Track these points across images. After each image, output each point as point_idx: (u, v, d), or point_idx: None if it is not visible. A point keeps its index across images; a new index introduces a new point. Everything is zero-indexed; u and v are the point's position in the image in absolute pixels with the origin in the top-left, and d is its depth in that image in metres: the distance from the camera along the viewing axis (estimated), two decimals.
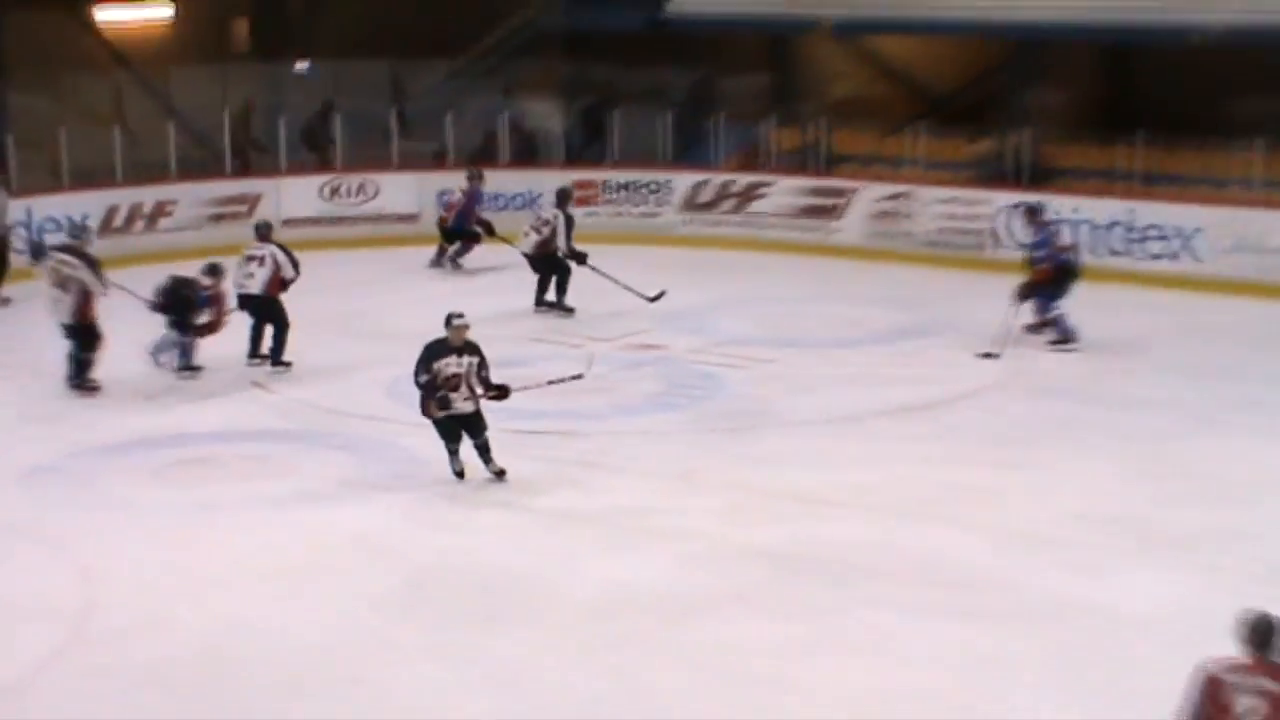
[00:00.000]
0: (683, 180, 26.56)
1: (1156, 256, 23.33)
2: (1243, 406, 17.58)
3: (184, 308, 18.37)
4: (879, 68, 30.30)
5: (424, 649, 11.94)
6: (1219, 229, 22.96)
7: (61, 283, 17.81)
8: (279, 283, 18.95)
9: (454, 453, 15.08)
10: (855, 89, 30.11)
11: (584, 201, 26.28)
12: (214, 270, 18.73)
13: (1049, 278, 19.58)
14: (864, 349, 19.79)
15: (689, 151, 27.40)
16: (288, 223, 25.55)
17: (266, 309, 18.97)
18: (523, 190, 26.31)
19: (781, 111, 27.97)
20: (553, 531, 14.25)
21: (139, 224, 24.96)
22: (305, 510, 14.72)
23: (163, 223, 25.24)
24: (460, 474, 15.05)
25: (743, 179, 26.38)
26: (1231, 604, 12.16)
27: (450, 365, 14.69)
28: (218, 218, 25.48)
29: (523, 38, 30.11)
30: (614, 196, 26.58)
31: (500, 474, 15.07)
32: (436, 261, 24.23)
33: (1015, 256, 22.14)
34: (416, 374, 14.83)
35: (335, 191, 26.31)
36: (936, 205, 24.66)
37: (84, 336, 17.87)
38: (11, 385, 18.64)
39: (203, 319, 18.48)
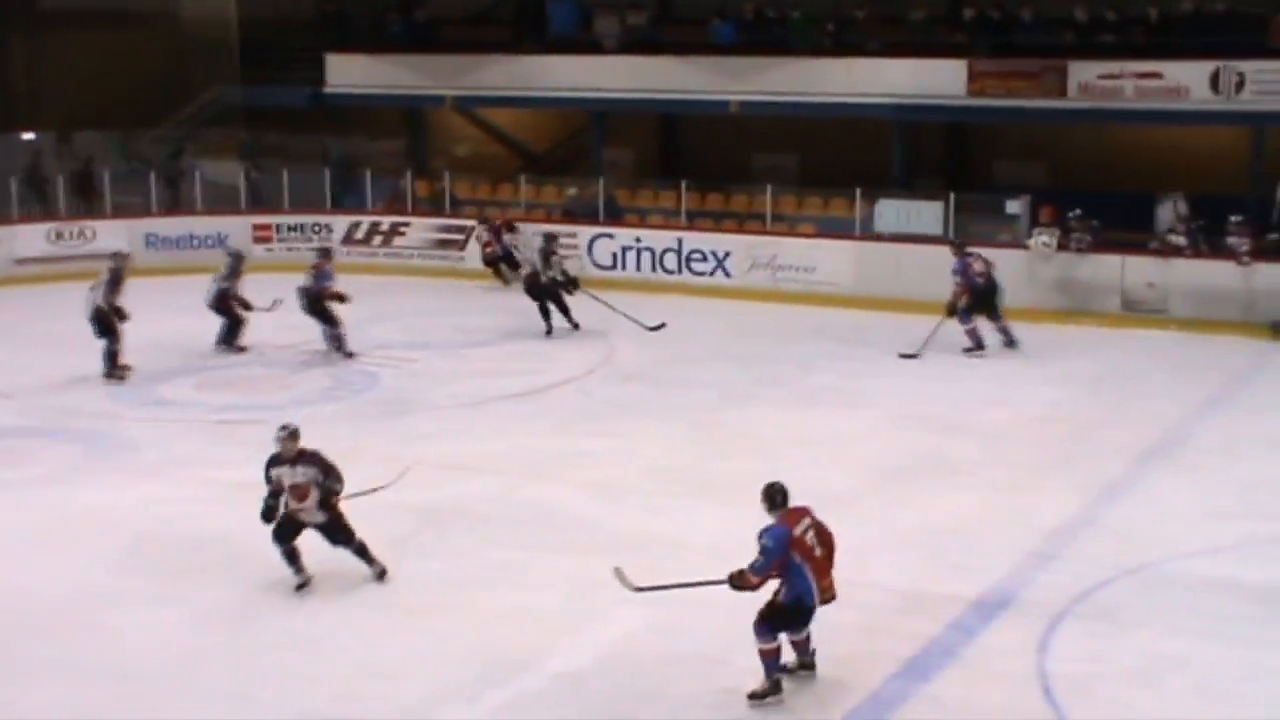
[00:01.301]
0: (341, 221, 26.24)
1: (700, 274, 23.84)
2: (767, 383, 18.10)
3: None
4: (490, 132, 30.39)
5: (146, 597, 11.64)
6: (743, 252, 23.58)
7: None
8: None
9: (290, 555, 11.81)
10: (473, 148, 30.16)
11: (262, 240, 25.80)
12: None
13: (965, 296, 19.23)
14: (486, 349, 19.87)
15: (346, 199, 27.05)
16: (19, 261, 24.59)
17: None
18: (212, 232, 25.65)
19: (416, 167, 27.84)
20: (246, 500, 13.91)
21: None
22: (41, 491, 14.17)
23: None
24: (303, 585, 11.75)
25: (388, 219, 26.16)
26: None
27: (285, 475, 11.75)
28: None
29: (210, 112, 29.37)
30: (286, 236, 26.09)
31: (382, 574, 11.89)
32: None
33: (603, 275, 22.48)
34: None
35: (60, 235, 25.27)
36: (536, 238, 24.77)
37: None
38: None
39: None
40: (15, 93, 29.68)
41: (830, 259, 23.11)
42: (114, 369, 18.14)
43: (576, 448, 15.49)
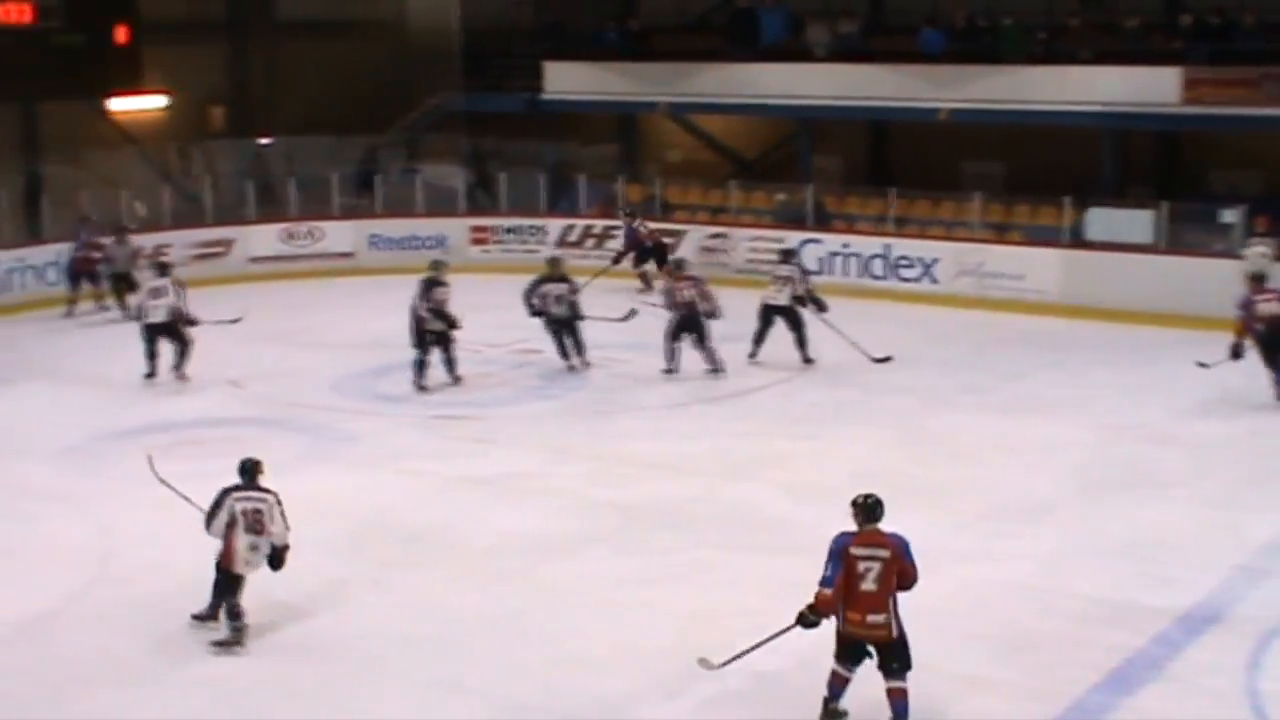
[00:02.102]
0: (555, 225, 26.49)
1: (907, 280, 23.53)
2: (971, 390, 17.78)
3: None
4: (702, 138, 30.43)
5: (362, 582, 11.89)
6: (951, 259, 23.21)
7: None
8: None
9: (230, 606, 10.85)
10: (685, 155, 30.23)
11: (480, 242, 26.17)
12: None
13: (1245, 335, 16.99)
14: (690, 351, 19.81)
15: (560, 203, 27.32)
16: (254, 260, 25.31)
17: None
18: (433, 233, 26.11)
19: (629, 172, 27.99)
20: (458, 492, 14.20)
21: (142, 262, 24.42)
22: (271, 479, 14.50)
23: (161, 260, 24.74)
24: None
25: (601, 223, 26.33)
26: (966, 534, 12.43)
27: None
28: (201, 257, 25.08)
29: (432, 118, 29.92)
30: (504, 238, 26.44)
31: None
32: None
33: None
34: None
35: (291, 235, 25.98)
36: (747, 241, 24.75)
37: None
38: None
39: None
40: (252, 99, 30.62)
41: (1038, 266, 22.61)
42: (421, 380, 17.79)
43: (779, 450, 15.40)
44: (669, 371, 18.35)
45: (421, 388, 17.72)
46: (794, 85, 25.86)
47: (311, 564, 12.15)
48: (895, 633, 9.07)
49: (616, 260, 23.96)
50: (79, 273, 22.52)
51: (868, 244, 23.98)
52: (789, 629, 9.26)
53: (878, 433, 15.98)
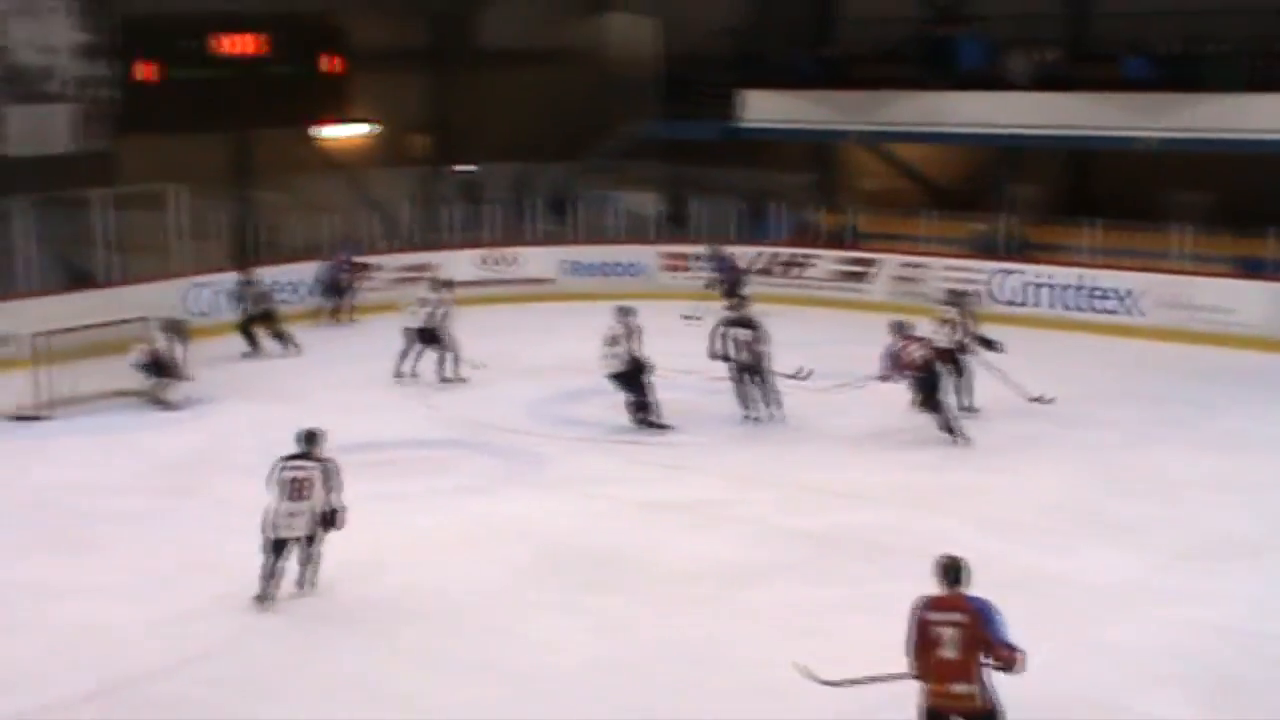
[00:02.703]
0: (748, 252, 26.51)
1: (1107, 311, 23.06)
2: (1171, 424, 17.39)
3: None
4: (897, 167, 30.21)
5: (553, 605, 12.03)
6: (1155, 291, 22.69)
7: None
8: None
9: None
10: (880, 183, 30.03)
11: (673, 268, 26.32)
12: None
13: None
14: (884, 381, 19.65)
15: (754, 230, 27.35)
16: (451, 284, 25.76)
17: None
18: (627, 261, 26.37)
19: (823, 200, 27.91)
20: (649, 517, 14.29)
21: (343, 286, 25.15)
22: (465, 499, 14.84)
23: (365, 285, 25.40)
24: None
25: (794, 251, 26.29)
26: (1161, 574, 12.15)
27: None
28: (402, 280, 25.64)
29: (629, 145, 30.21)
30: (695, 265, 26.54)
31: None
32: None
33: (1006, 311, 22.15)
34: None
35: (489, 261, 26.42)
36: (942, 271, 24.50)
37: None
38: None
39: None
40: (455, 126, 31.25)
41: (1245, 299, 21.98)
42: (643, 418, 17.44)
43: (971, 482, 15.21)
44: (958, 440, 16.66)
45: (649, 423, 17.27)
46: (992, 114, 25.55)
47: (502, 585, 12.37)
48: (985, 704, 8.31)
49: (729, 295, 22.66)
50: (335, 287, 24.05)
51: (1066, 275, 23.59)
52: (899, 677, 8.71)
53: (1073, 467, 15.69)
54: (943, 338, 17.70)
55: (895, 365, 16.86)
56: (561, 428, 17.58)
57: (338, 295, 24.63)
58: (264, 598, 11.84)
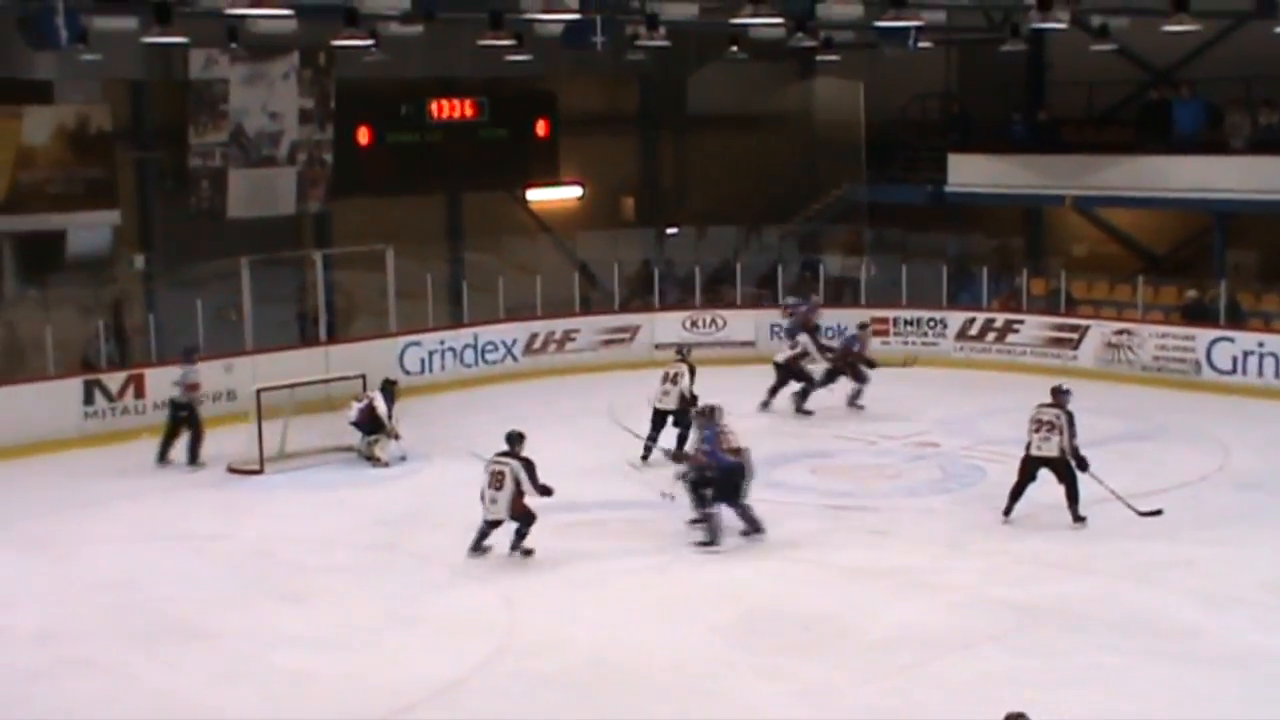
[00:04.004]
0: (956, 317, 26.27)
1: None
2: None
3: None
4: (1108, 232, 29.72)
5: (755, 669, 12.06)
6: None
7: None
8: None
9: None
10: (1090, 248, 29.57)
11: (879, 334, 26.18)
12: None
13: None
14: (1097, 449, 19.24)
15: (961, 295, 27.12)
16: (658, 346, 26.00)
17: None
18: (832, 324, 26.32)
19: (1033, 265, 27.55)
20: (852, 582, 14.24)
21: (551, 347, 25.55)
22: (665, 561, 14.94)
23: (568, 346, 25.79)
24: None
25: (1003, 316, 25.98)
26: None
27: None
28: (607, 343, 25.97)
29: (836, 209, 30.24)
30: (903, 330, 26.39)
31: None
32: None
33: (1220, 380, 21.63)
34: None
35: (694, 324, 26.61)
36: (1155, 339, 23.99)
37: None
38: None
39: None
40: (662, 189, 31.65)
41: None
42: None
43: (1185, 555, 14.84)
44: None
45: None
46: (1209, 178, 25.01)
47: (703, 646, 12.45)
48: None
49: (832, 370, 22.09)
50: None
51: None
52: None
53: None
54: (1049, 446, 15.81)
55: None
56: (765, 491, 17.55)
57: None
58: (474, 549, 14.81)
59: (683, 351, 19.85)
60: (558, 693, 11.58)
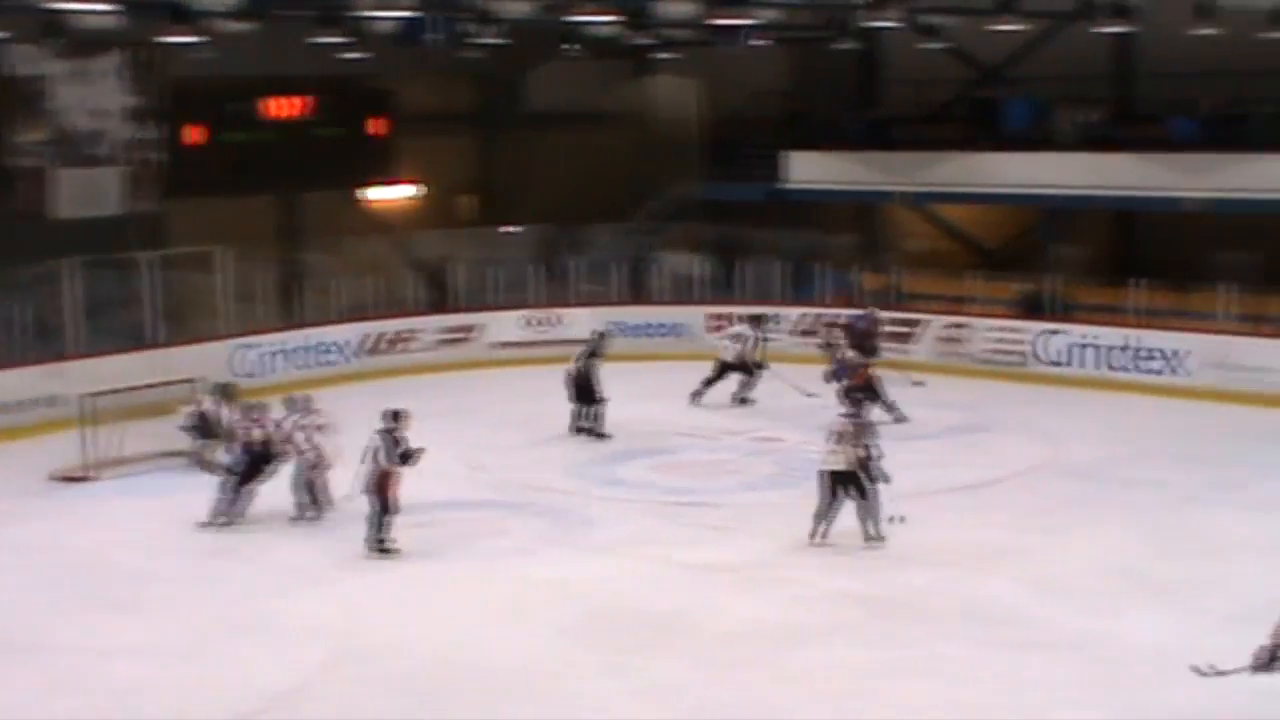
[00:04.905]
0: (792, 312, 26.52)
1: (1152, 372, 22.96)
2: (1220, 486, 17.27)
3: None
4: (941, 228, 30.26)
5: (599, 667, 12.04)
6: (1201, 352, 22.59)
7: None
8: None
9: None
10: (924, 244, 30.07)
11: (718, 329, 26.30)
12: None
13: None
14: (933, 441, 19.62)
15: (799, 291, 27.38)
16: (494, 345, 25.86)
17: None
18: (671, 320, 26.41)
19: (868, 261, 27.93)
20: (695, 579, 14.29)
21: (387, 346, 25.29)
22: (511, 560, 14.88)
23: (407, 346, 25.54)
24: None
25: (839, 312, 26.24)
26: (1212, 637, 12.07)
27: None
28: (447, 341, 25.78)
29: (673, 207, 30.36)
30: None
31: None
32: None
33: (1051, 372, 22.14)
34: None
35: (532, 322, 26.53)
36: (987, 332, 24.47)
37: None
38: None
39: None
40: (499, 189, 31.48)
41: None
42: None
43: (1020, 543, 15.15)
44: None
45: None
46: (1037, 174, 25.60)
47: (547, 646, 12.40)
48: None
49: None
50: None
51: (1111, 335, 23.51)
52: None
53: (1121, 529, 15.62)
54: (835, 461, 15.29)
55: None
56: (607, 488, 17.61)
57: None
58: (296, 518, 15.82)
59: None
60: (401, 697, 11.46)
